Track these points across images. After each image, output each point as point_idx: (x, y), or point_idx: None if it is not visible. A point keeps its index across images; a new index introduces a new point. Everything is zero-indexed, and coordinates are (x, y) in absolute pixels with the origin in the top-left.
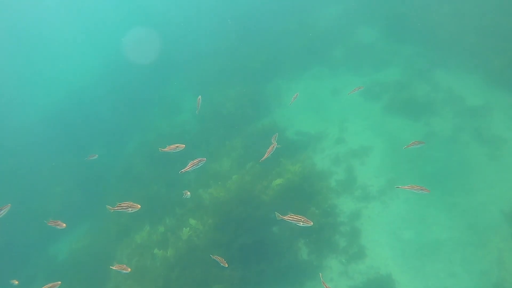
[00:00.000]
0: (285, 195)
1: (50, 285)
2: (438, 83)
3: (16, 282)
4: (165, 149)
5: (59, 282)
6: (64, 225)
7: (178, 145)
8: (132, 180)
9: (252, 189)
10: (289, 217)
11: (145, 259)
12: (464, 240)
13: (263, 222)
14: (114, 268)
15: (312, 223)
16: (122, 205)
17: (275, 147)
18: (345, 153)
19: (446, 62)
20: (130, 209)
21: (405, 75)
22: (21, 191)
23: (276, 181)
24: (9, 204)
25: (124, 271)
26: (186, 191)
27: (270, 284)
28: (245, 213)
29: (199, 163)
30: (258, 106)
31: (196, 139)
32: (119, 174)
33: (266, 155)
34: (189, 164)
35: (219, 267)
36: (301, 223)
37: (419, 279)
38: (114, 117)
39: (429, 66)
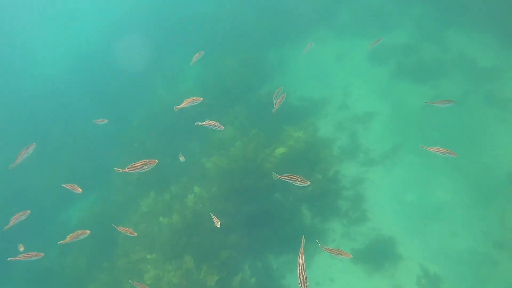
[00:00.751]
0: (288, 162)
1: (80, 232)
2: (448, 45)
3: (22, 248)
4: (182, 105)
5: (88, 231)
6: (80, 190)
7: (195, 98)
8: (137, 151)
9: (256, 157)
10: (286, 177)
11: (152, 225)
12: (467, 202)
13: (266, 190)
14: (118, 229)
15: (309, 183)
16: (135, 165)
17: (284, 97)
18: (349, 118)
19: (458, 23)
20: (146, 167)
21: (414, 37)
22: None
23: (279, 150)
24: (34, 144)
25: (130, 235)
26: (181, 154)
27: (274, 250)
28: (249, 182)
29: (215, 126)
30: (261, 73)
31: (199, 107)
32: (125, 144)
33: (276, 106)
34: (206, 121)
35: (225, 233)
36: (298, 182)
37: (420, 240)
38: (117, 89)
39: (440, 27)
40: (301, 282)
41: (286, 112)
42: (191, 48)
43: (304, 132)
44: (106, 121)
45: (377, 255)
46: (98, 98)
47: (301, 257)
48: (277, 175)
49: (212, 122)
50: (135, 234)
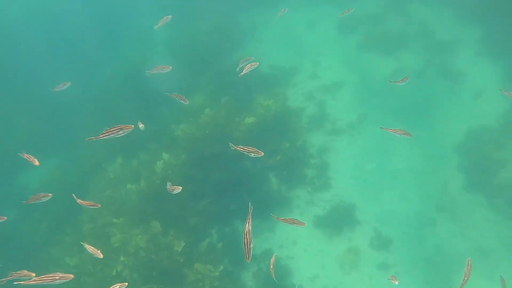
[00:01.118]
0: (257, 131)
1: (42, 194)
2: (412, 16)
3: None
4: (152, 71)
5: (50, 194)
6: (37, 162)
7: (164, 66)
8: (104, 114)
9: (226, 125)
10: (240, 148)
11: (119, 191)
12: (419, 169)
13: (236, 158)
14: (79, 201)
15: (262, 154)
16: (111, 130)
17: (254, 65)
18: (318, 88)
19: None
20: (121, 131)
21: (381, 6)
22: None
23: (249, 119)
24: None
25: (93, 207)
26: (140, 122)
27: (242, 216)
28: (219, 149)
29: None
30: (232, 39)
31: (169, 72)
32: (90, 108)
33: (244, 71)
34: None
35: (194, 201)
36: (252, 154)
37: (376, 205)
38: (84, 48)
39: None
40: (245, 244)
41: (256, 81)
42: (161, 10)
43: (274, 101)
44: (69, 84)
45: (337, 220)
46: (60, 59)
47: (248, 223)
48: (233, 146)
49: (179, 96)
50: (99, 205)
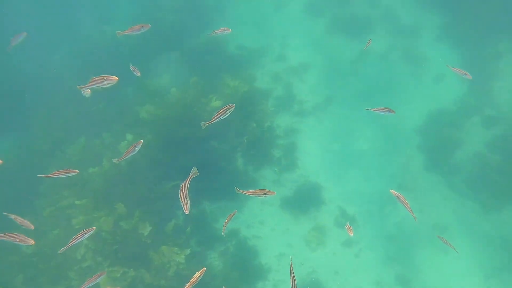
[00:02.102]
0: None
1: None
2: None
3: None
4: (126, 32)
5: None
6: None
7: (142, 25)
8: (63, 94)
9: (193, 106)
10: (248, 192)
11: (82, 173)
12: (382, 149)
13: (202, 139)
14: (11, 216)
15: (275, 193)
16: (95, 79)
17: (226, 31)
18: (285, 69)
19: None
20: (106, 82)
21: None
22: None
23: (215, 103)
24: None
25: (27, 228)
26: (86, 88)
27: (209, 196)
28: (186, 131)
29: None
30: (199, 17)
31: (133, 51)
32: (47, 87)
33: (216, 31)
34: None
35: (161, 184)
36: (264, 195)
37: (340, 184)
38: (38, 21)
39: None
40: (181, 197)
41: (224, 61)
42: None
43: (241, 82)
44: (24, 34)
45: (304, 199)
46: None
47: (188, 180)
48: (239, 190)
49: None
50: (32, 227)
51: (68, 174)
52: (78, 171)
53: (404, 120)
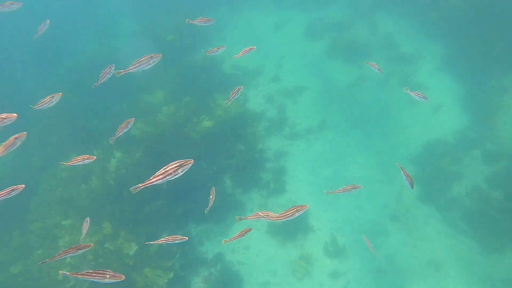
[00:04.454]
0: (215, 134)
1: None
2: (378, 26)
3: None
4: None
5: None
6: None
7: (209, 18)
8: (60, 108)
9: (183, 126)
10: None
11: (71, 190)
12: (374, 178)
13: (192, 158)
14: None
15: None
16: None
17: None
18: (279, 90)
19: (388, 6)
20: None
21: (348, 14)
22: None
23: (206, 123)
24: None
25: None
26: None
27: (195, 219)
28: (175, 150)
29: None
30: (198, 37)
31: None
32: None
33: (212, 50)
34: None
35: (148, 205)
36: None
37: (330, 212)
38: (42, 38)
39: (372, 8)
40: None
41: (219, 80)
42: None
43: (233, 103)
44: (48, 22)
45: (291, 225)
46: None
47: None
48: (241, 217)
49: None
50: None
51: (86, 161)
52: (95, 157)
53: (399, 149)
